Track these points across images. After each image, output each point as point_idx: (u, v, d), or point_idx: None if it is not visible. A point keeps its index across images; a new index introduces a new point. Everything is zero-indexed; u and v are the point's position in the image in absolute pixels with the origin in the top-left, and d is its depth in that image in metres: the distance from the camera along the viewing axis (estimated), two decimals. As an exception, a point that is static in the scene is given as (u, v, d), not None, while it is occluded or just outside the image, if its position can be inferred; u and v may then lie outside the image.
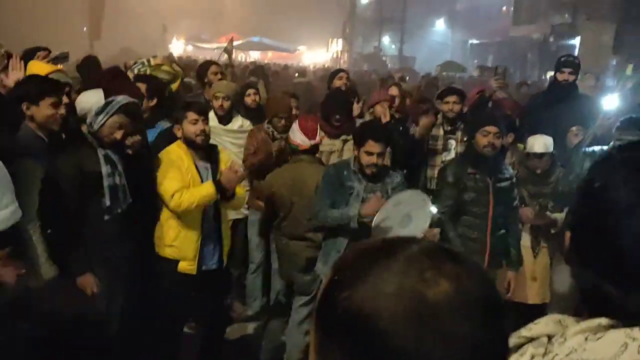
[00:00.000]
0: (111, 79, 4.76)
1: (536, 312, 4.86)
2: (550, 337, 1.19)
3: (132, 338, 4.39)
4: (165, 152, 4.44)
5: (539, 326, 1.22)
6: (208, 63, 6.89)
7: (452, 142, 6.14)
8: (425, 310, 0.84)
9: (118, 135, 4.06)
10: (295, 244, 4.74)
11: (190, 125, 4.39)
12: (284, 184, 4.71)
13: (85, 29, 30.13)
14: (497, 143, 4.70)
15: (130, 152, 4.22)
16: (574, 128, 5.86)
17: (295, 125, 4.80)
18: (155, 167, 4.35)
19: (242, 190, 4.64)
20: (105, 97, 4.19)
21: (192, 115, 4.39)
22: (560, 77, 6.72)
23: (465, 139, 5.97)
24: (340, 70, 7.97)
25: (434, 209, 4.24)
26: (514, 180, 4.98)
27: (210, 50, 39.40)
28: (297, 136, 4.72)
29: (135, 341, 4.44)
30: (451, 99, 6.15)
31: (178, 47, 39.96)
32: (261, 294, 5.92)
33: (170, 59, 9.72)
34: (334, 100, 5.93)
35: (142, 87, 5.25)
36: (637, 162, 1.18)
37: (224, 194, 4.36)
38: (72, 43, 24.97)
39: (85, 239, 3.98)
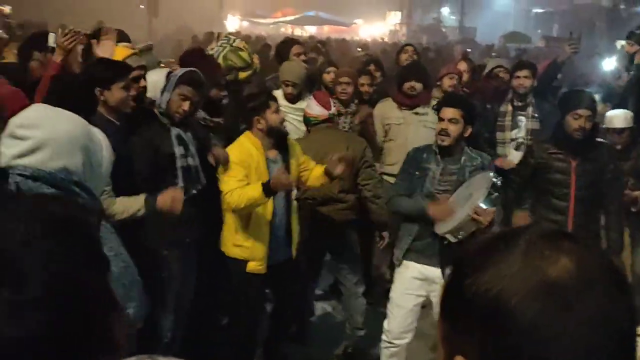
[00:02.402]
0: (199, 62, 4.68)
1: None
2: None
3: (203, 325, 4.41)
4: (233, 146, 4.30)
5: None
6: (291, 42, 6.69)
7: (522, 119, 5.90)
8: (549, 286, 0.86)
9: (185, 106, 4.02)
10: (328, 208, 4.88)
11: (275, 115, 4.27)
12: (312, 151, 4.68)
13: (142, 6, 30.36)
14: (587, 126, 4.54)
15: (211, 124, 4.25)
16: None
17: (311, 100, 4.97)
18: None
19: (319, 169, 4.50)
20: None
21: (275, 105, 4.30)
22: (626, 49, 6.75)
23: (536, 115, 5.75)
24: (407, 44, 7.78)
25: (493, 178, 3.99)
26: (615, 161, 4.80)
27: (266, 25, 39.44)
28: (315, 109, 4.89)
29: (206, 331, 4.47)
30: (522, 73, 5.94)
31: (234, 23, 39.96)
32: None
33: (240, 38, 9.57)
34: (410, 69, 5.85)
35: None
36: None
37: (329, 175, 4.33)
38: (130, 21, 25.26)
39: (158, 220, 3.89)
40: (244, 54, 5.72)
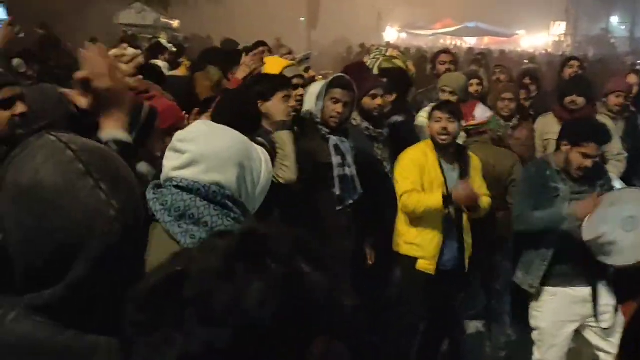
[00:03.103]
0: (355, 73, 4.74)
1: None
2: None
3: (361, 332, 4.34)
4: (409, 149, 4.38)
5: None
6: (440, 52, 6.69)
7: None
8: None
9: (338, 108, 4.08)
10: (479, 226, 4.62)
11: (434, 123, 4.29)
12: None
13: (302, 19, 31.25)
14: None
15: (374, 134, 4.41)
16: None
17: None
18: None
19: (487, 199, 4.38)
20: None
21: (437, 114, 4.30)
22: None
23: None
24: (572, 57, 7.45)
25: None
26: None
27: (425, 37, 39.25)
28: None
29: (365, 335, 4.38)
30: None
31: (392, 35, 40.10)
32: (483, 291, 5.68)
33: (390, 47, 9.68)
34: (572, 82, 5.67)
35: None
36: None
37: (470, 208, 4.19)
38: (290, 33, 26.08)
39: (314, 230, 3.96)
40: (399, 62, 5.72)
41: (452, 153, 4.34)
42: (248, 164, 2.12)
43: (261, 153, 2.21)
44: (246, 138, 2.22)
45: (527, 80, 6.47)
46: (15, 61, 5.51)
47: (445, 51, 6.93)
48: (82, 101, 1.84)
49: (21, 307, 1.27)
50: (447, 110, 4.29)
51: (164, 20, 17.29)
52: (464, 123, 4.71)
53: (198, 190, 2.00)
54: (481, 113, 4.88)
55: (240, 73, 4.38)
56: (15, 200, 1.25)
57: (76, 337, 1.24)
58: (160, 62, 6.96)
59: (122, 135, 1.82)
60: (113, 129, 1.81)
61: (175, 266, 0.86)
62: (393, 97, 4.97)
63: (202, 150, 2.07)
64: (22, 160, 1.27)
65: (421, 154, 4.28)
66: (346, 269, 4.23)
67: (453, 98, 5.48)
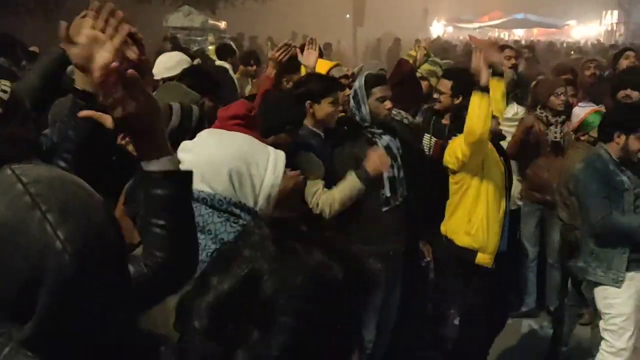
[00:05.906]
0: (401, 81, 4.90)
1: None
2: None
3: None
4: None
5: None
6: (501, 47, 6.64)
7: None
8: None
9: (387, 105, 4.05)
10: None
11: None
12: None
13: (348, 16, 31.18)
14: None
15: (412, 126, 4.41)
16: None
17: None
18: None
19: None
20: None
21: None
22: None
23: None
24: (628, 48, 7.19)
25: None
26: None
27: (471, 30, 38.73)
28: None
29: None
30: None
31: (438, 29, 39.73)
32: (535, 290, 5.64)
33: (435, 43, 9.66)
34: (626, 75, 5.49)
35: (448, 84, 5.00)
36: None
37: None
38: (336, 31, 26.07)
39: (361, 231, 3.92)
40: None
41: None
42: (246, 169, 2.07)
43: (271, 156, 2.14)
44: (252, 141, 2.16)
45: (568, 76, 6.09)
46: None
47: (509, 46, 6.92)
48: (109, 122, 1.71)
49: (14, 342, 1.25)
50: None
51: (211, 22, 17.42)
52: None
53: (203, 199, 2.01)
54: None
55: (270, 69, 4.32)
56: None
57: None
58: (227, 64, 7.15)
59: (157, 165, 1.60)
60: (147, 161, 1.61)
61: (238, 269, 0.94)
62: (459, 100, 4.81)
63: (195, 159, 2.05)
64: None
65: None
66: (399, 269, 4.26)
67: None
